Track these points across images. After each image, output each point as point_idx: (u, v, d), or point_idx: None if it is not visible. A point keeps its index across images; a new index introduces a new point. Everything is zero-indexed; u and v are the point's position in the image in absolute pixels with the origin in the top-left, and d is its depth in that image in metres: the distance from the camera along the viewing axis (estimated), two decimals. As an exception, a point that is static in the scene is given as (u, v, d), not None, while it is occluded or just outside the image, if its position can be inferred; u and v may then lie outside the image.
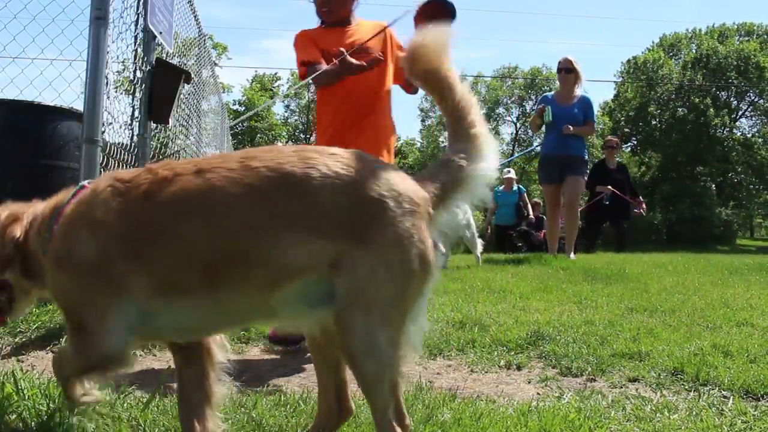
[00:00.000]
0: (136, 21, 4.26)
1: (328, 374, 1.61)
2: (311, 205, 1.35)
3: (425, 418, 1.82)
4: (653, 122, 35.66)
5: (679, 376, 2.46)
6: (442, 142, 40.55)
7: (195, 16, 6.23)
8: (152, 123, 4.43)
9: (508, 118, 40.20)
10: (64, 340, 2.60)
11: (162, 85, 4.19)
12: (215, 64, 11.26)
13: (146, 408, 1.79)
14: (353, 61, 2.75)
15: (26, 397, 1.73)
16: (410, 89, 3.09)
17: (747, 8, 63.15)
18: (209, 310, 1.42)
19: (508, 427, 1.78)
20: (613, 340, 2.98)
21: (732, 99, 35.92)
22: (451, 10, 2.82)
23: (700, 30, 36.79)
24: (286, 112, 41.15)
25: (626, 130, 35.75)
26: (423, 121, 41.09)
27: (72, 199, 1.51)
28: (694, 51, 35.61)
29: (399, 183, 1.40)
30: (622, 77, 37.50)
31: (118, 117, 4.04)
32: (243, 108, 34.99)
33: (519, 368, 2.68)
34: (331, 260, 1.34)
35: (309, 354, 2.15)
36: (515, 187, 11.34)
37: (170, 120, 4.48)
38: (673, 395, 2.24)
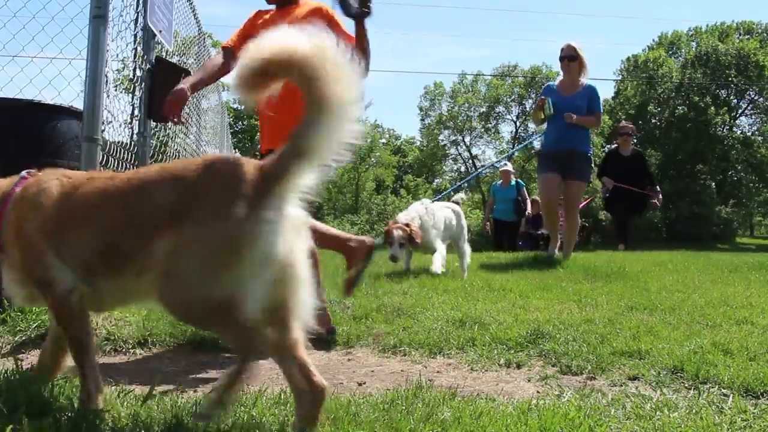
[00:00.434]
0: (136, 19, 4.26)
1: (286, 361, 1.65)
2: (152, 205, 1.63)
3: (425, 416, 1.82)
4: (653, 120, 35.63)
5: (679, 374, 2.47)
6: (442, 140, 40.58)
7: (195, 15, 6.22)
8: (152, 121, 4.43)
9: (508, 116, 40.20)
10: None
11: (162, 84, 4.18)
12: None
13: (144, 403, 1.83)
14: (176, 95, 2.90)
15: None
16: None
17: (747, 7, 63.08)
18: (112, 289, 1.72)
19: (508, 426, 1.78)
20: (613, 339, 2.98)
21: (732, 97, 35.88)
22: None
23: (700, 28, 36.78)
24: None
25: (626, 128, 35.66)
26: (422, 120, 41.06)
27: (16, 187, 1.82)
28: (694, 49, 35.55)
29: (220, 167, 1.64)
30: (622, 75, 37.49)
31: (118, 115, 4.03)
32: (243, 107, 34.93)
33: (519, 367, 2.68)
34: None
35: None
36: (513, 182, 10.77)
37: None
38: (673, 393, 2.24)
